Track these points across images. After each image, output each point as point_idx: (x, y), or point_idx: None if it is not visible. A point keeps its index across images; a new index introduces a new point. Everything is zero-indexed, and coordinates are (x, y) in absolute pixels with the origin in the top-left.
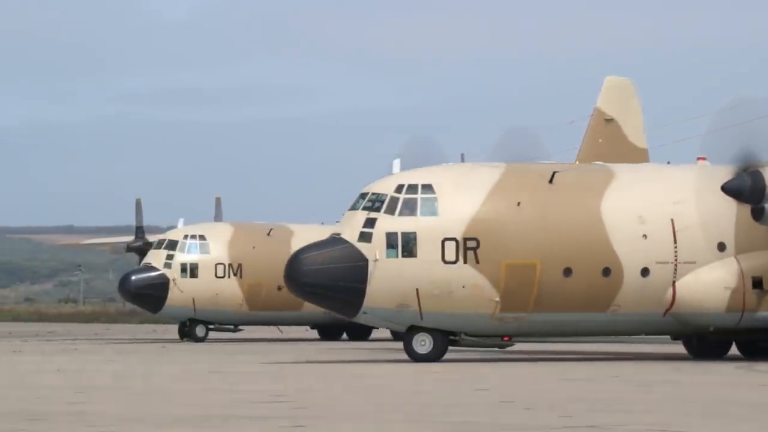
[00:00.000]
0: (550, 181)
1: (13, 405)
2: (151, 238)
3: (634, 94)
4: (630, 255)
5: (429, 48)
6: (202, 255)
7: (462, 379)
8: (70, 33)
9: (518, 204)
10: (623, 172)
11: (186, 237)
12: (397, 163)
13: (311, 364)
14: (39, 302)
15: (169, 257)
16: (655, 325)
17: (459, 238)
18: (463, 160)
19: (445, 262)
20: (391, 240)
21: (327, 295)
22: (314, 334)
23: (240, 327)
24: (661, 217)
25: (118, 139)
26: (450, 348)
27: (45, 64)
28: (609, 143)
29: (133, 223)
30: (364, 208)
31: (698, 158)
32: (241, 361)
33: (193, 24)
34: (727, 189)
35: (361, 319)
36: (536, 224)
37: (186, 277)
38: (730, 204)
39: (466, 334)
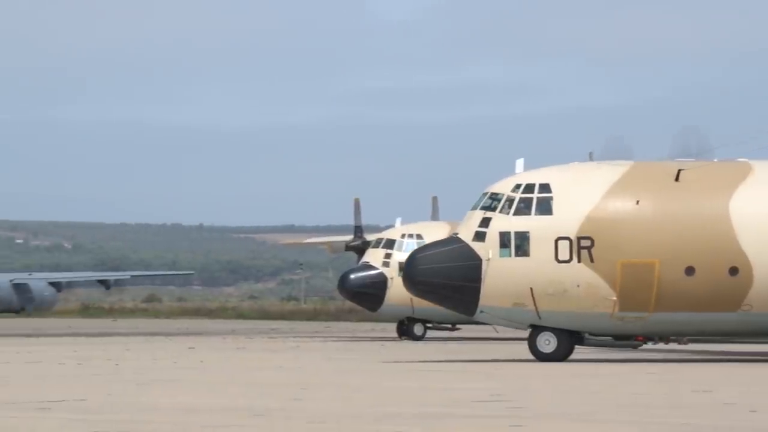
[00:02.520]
0: (676, 179)
1: (237, 401)
2: (370, 237)
3: None
4: (760, 254)
5: (648, 43)
6: None
7: (679, 379)
8: (291, 36)
9: (637, 202)
10: (764, 168)
11: (403, 236)
12: (520, 163)
13: (525, 363)
14: (262, 300)
15: (387, 256)
16: None
17: (572, 237)
18: (591, 159)
19: (559, 261)
20: (504, 239)
21: (442, 293)
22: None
23: (458, 326)
24: None
25: (337, 139)
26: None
27: (268, 67)
28: None
29: (351, 222)
30: (482, 208)
31: None
32: (457, 359)
33: (413, 24)
34: None
35: (479, 318)
36: (656, 223)
37: None
38: None
39: (590, 333)
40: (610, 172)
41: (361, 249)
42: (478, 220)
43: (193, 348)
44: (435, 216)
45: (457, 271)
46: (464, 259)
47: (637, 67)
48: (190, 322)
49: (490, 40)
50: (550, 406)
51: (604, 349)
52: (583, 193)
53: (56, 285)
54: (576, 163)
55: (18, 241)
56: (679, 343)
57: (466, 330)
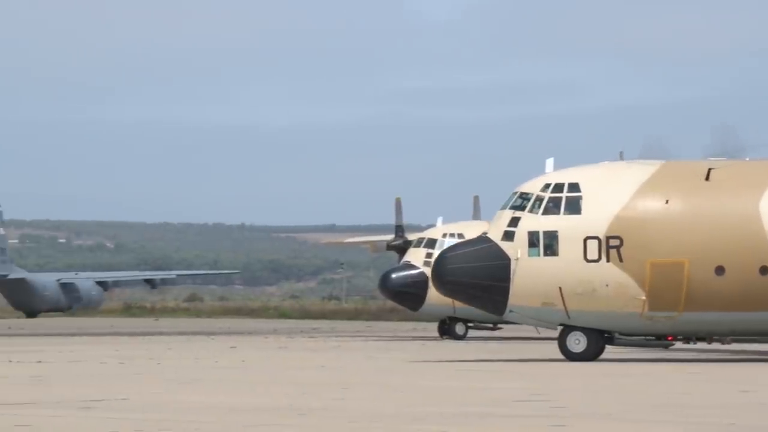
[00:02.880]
0: (706, 178)
1: (280, 400)
2: (411, 236)
3: None
4: None
5: (684, 41)
6: None
7: (718, 379)
8: (332, 36)
9: (666, 202)
10: None
11: (445, 235)
12: (550, 162)
13: (563, 362)
14: (303, 299)
15: (429, 255)
16: None
17: (601, 236)
18: (621, 159)
19: (588, 261)
20: (532, 239)
21: (470, 293)
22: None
23: (499, 325)
24: None
25: (379, 139)
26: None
27: (309, 66)
28: None
29: (392, 221)
30: (511, 207)
31: None
32: (499, 359)
33: (453, 24)
34: None
35: (508, 317)
36: (685, 222)
37: None
38: None
39: (619, 333)
40: (639, 172)
41: (402, 248)
42: (507, 220)
43: (235, 347)
44: (476, 215)
45: (485, 271)
46: (493, 259)
47: (673, 66)
48: (231, 321)
49: (529, 40)
50: (590, 405)
51: (636, 348)
52: (612, 192)
53: (103, 284)
54: (606, 162)
55: (61, 240)
56: (722, 343)
57: (507, 329)
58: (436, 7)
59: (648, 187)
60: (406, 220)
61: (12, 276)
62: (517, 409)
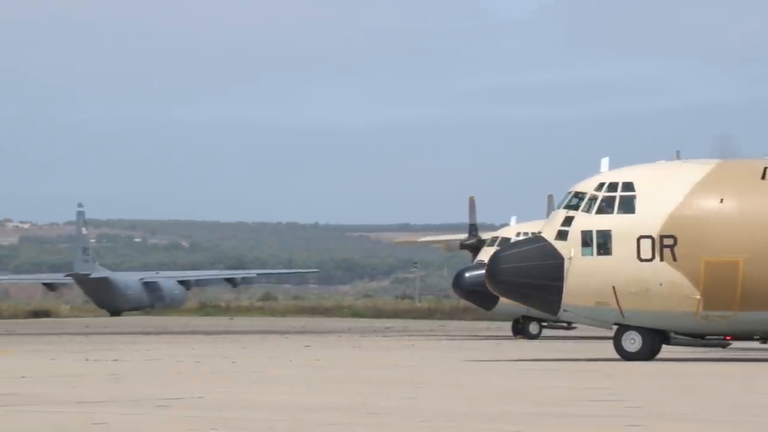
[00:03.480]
0: (762, 177)
1: (353, 399)
2: (484, 235)
3: None
4: None
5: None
6: None
7: None
8: (408, 35)
9: (721, 201)
10: None
11: (518, 234)
12: (605, 162)
13: (637, 363)
14: (376, 298)
15: None
16: None
17: (655, 235)
18: (678, 158)
19: (641, 260)
20: (586, 238)
21: (524, 292)
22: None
23: (573, 324)
24: None
25: (452, 138)
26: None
27: (384, 66)
28: None
29: (466, 220)
30: (566, 207)
31: None
32: (572, 358)
33: (531, 23)
34: None
35: (563, 316)
36: (741, 221)
37: None
38: None
39: (675, 332)
40: (694, 171)
41: (475, 247)
42: (561, 219)
43: (309, 346)
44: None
45: (539, 270)
46: (546, 258)
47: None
48: (305, 320)
49: (605, 38)
50: (665, 405)
51: (694, 348)
52: (666, 191)
53: (185, 283)
54: (662, 161)
55: (136, 240)
56: None
57: (582, 329)
58: (511, 6)
59: (702, 186)
60: (479, 219)
61: (94, 275)
62: (593, 408)
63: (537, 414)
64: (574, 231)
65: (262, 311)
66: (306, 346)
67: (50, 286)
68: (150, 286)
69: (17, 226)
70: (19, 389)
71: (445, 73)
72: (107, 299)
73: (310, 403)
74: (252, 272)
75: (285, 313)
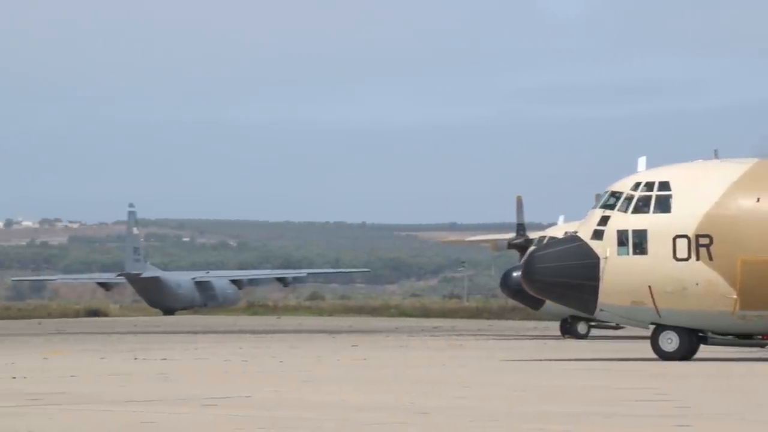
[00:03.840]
0: None
1: (401, 399)
2: (532, 234)
3: None
4: None
5: None
6: None
7: None
8: (459, 34)
9: (757, 200)
10: None
11: (566, 233)
12: (642, 161)
13: (684, 363)
14: (424, 298)
15: None
16: None
17: (691, 235)
18: (716, 157)
19: (677, 260)
20: (622, 237)
21: (559, 291)
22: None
23: (621, 325)
24: None
25: (500, 137)
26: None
27: (434, 65)
28: None
29: (514, 220)
30: (603, 206)
31: None
32: (621, 357)
33: (584, 22)
34: None
35: (599, 316)
36: None
37: None
38: None
39: (712, 332)
40: (731, 170)
41: (523, 247)
42: (597, 219)
43: (357, 346)
44: None
45: (575, 270)
46: (582, 258)
47: None
48: (353, 319)
49: (657, 37)
50: (715, 405)
51: (731, 347)
52: (702, 190)
53: (237, 283)
54: (698, 161)
55: (184, 239)
56: None
57: (631, 329)
58: (565, 5)
59: (739, 186)
60: (527, 219)
61: (145, 275)
62: (642, 408)
63: (586, 414)
64: (610, 230)
65: (309, 311)
66: (353, 346)
67: (104, 286)
68: (202, 286)
69: (66, 226)
70: (68, 388)
71: (493, 72)
72: (159, 298)
73: (357, 403)
74: (303, 272)
75: (332, 312)
